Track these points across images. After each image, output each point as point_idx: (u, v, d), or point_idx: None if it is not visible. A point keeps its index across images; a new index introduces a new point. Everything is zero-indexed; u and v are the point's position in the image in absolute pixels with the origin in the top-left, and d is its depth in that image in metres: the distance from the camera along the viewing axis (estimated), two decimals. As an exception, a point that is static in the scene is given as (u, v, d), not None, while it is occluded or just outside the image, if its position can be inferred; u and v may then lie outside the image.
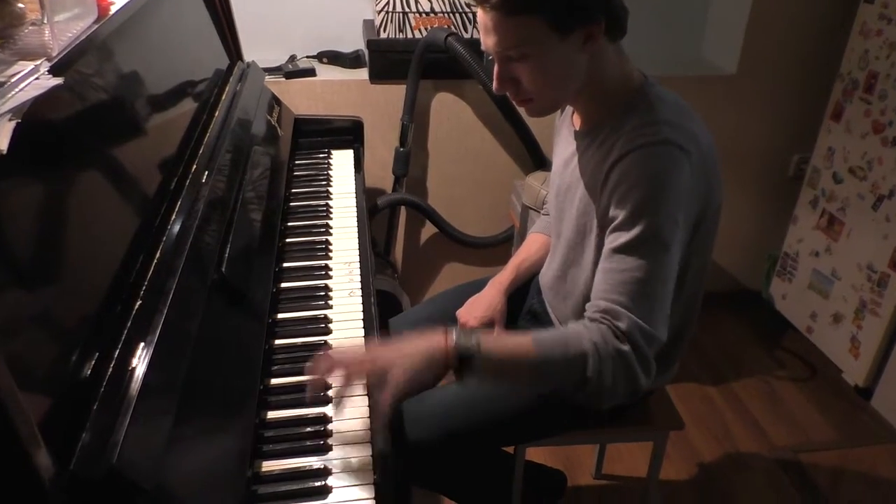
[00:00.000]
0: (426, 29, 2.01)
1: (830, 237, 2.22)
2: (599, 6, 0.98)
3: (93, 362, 0.76)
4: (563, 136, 1.24)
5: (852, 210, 2.13)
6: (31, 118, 0.74)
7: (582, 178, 1.12)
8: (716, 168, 1.06)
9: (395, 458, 0.98)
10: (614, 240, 1.01)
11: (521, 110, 2.00)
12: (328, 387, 1.02)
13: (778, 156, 2.41)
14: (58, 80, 0.75)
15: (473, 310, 1.40)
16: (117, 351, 0.79)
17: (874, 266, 2.05)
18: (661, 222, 0.98)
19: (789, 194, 2.41)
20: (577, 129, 1.16)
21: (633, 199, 0.98)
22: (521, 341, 1.01)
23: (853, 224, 2.13)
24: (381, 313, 1.41)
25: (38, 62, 0.79)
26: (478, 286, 1.51)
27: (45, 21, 0.84)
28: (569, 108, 1.22)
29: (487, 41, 1.01)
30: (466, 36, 2.02)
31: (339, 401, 1.00)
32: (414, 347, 0.98)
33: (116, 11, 1.07)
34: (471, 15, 2.00)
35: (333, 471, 0.92)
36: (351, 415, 1.01)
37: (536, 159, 2.15)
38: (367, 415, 1.01)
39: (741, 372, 2.30)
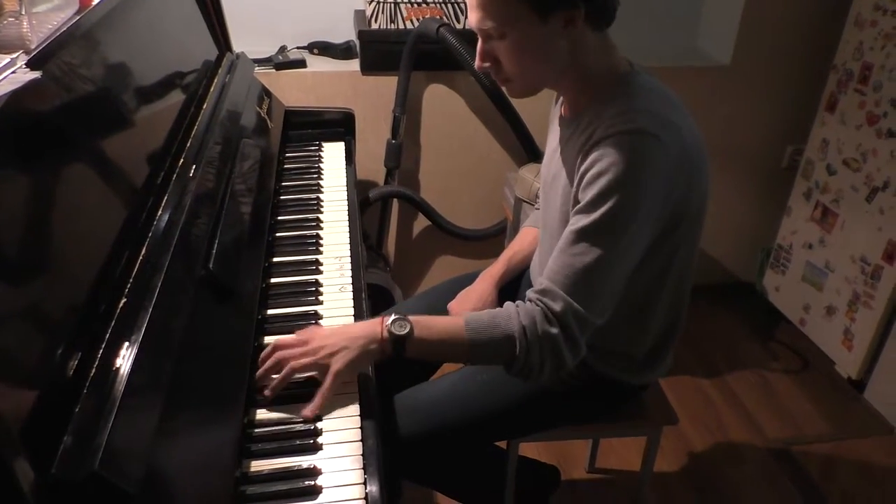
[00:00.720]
0: (418, 19, 1.99)
1: (824, 229, 2.22)
2: None
3: (75, 362, 0.74)
4: (553, 125, 1.23)
5: (846, 202, 2.12)
6: (11, 112, 0.72)
7: (564, 167, 1.12)
8: (700, 159, 1.05)
9: (385, 453, 0.97)
10: (574, 222, 1.03)
11: (515, 103, 1.99)
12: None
13: (772, 147, 2.40)
14: (35, 74, 0.73)
15: (465, 302, 1.39)
16: (101, 350, 0.77)
17: (868, 258, 2.05)
18: (621, 210, 0.98)
19: (783, 186, 2.40)
20: (564, 116, 1.16)
21: (598, 185, 0.99)
22: (453, 325, 1.07)
23: (847, 216, 2.13)
24: (374, 307, 1.40)
25: (16, 55, 0.76)
26: (470, 279, 1.50)
27: (23, 12, 0.81)
28: (561, 98, 1.21)
29: (472, 16, 1.03)
30: (458, 26, 1.99)
31: (276, 389, 1.01)
32: (353, 339, 1.03)
33: (99, 2, 1.04)
34: (463, 5, 1.98)
35: (323, 470, 0.90)
36: (341, 414, 0.99)
37: (529, 151, 2.13)
38: (358, 413, 0.99)
39: (734, 364, 2.30)
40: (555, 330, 1.02)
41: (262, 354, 1.04)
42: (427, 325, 1.06)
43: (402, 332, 1.03)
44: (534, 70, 1.06)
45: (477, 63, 1.08)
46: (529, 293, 1.07)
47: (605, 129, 1.00)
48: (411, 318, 1.06)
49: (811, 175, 2.26)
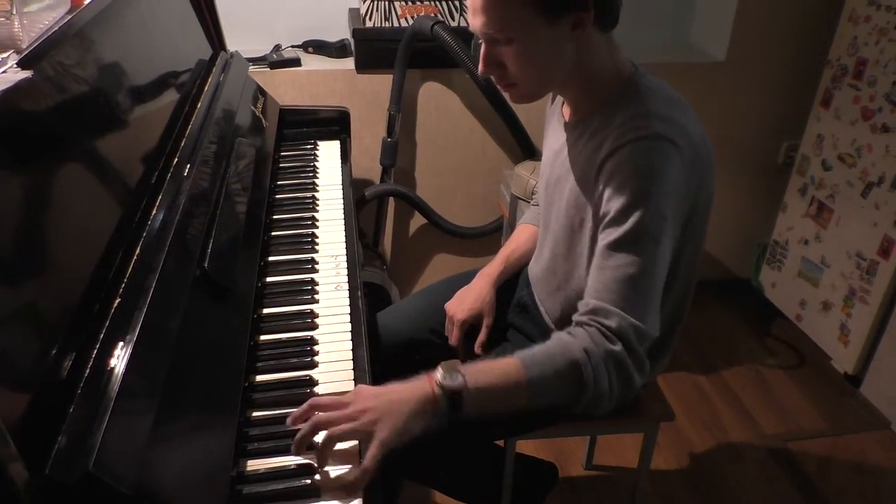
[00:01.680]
0: (412, 17, 1.98)
1: (820, 225, 2.22)
2: None
3: (69, 363, 0.74)
4: (552, 126, 1.23)
5: (841, 197, 2.13)
6: (1, 111, 0.71)
7: (573, 170, 1.11)
8: (708, 158, 1.05)
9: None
10: (606, 236, 1.01)
11: (509, 98, 1.99)
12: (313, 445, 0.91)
13: (767, 143, 2.40)
14: (26, 74, 0.73)
15: (462, 302, 1.39)
16: (95, 350, 0.77)
17: (863, 254, 2.05)
18: (652, 218, 0.97)
19: (779, 182, 2.40)
20: (567, 119, 1.15)
21: (624, 194, 0.98)
22: (508, 366, 0.98)
23: (842, 211, 2.13)
24: (370, 305, 1.39)
25: (7, 55, 0.76)
26: (468, 277, 1.49)
27: (15, 12, 0.81)
28: (559, 98, 1.21)
29: (475, 22, 1.00)
30: (453, 24, 1.99)
31: (324, 461, 0.90)
32: (402, 403, 0.92)
33: (91, 1, 1.04)
34: (457, 2, 1.98)
35: (320, 469, 0.90)
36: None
37: (525, 149, 2.13)
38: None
39: (731, 360, 2.30)
40: (617, 347, 0.96)
41: (295, 414, 0.91)
42: (479, 370, 0.97)
43: (456, 385, 0.92)
44: (541, 74, 1.04)
45: (481, 69, 1.04)
46: (577, 316, 1.01)
47: (618, 136, 1.00)
48: (460, 367, 0.95)
49: (806, 171, 2.27)
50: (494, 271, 1.41)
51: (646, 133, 0.98)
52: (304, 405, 0.92)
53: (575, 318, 1.03)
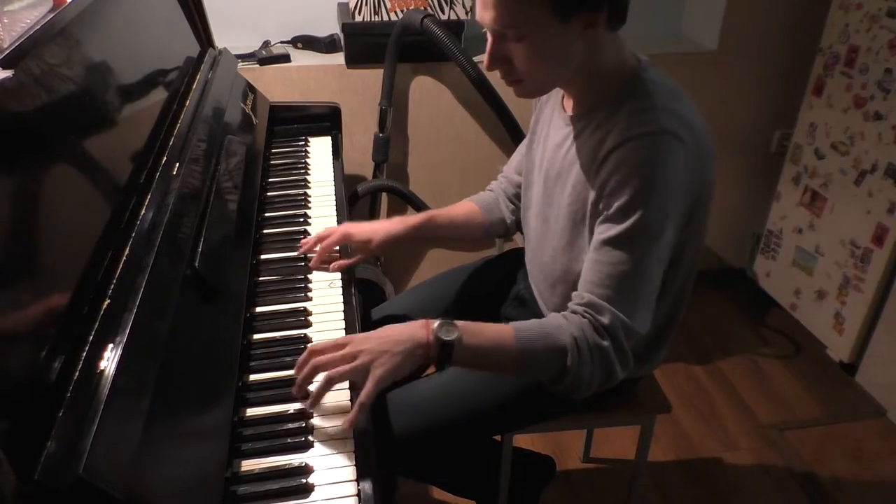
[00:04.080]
0: (402, 11, 1.97)
1: (813, 213, 2.22)
2: None
3: (59, 365, 0.73)
4: (547, 118, 1.21)
5: (835, 186, 2.13)
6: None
7: (576, 163, 1.10)
8: (710, 150, 1.04)
9: (379, 449, 0.96)
10: (604, 231, 1.00)
11: (503, 93, 1.98)
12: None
13: (760, 132, 2.40)
14: (7, 73, 0.72)
15: (361, 224, 1.33)
16: (85, 353, 0.76)
17: (857, 242, 2.05)
18: (653, 216, 0.97)
19: (772, 171, 2.40)
20: (571, 113, 1.13)
21: (626, 191, 0.97)
22: (502, 333, 1.01)
23: (836, 200, 2.13)
24: (365, 302, 1.39)
25: (-12, 54, 0.75)
26: (462, 272, 1.49)
27: (-4, 10, 0.80)
28: (557, 91, 1.19)
29: (485, 15, 0.98)
30: (443, 17, 1.98)
31: (317, 401, 0.96)
32: (394, 342, 0.97)
33: (74, -1, 1.02)
34: (447, -4, 1.96)
35: (315, 468, 0.90)
36: (333, 410, 0.98)
37: (517, 142, 2.11)
38: (349, 409, 0.98)
39: (726, 350, 2.31)
40: (606, 343, 0.99)
41: (299, 361, 0.97)
42: (475, 331, 1.00)
43: (451, 338, 0.97)
44: (549, 71, 1.03)
45: (486, 63, 1.03)
46: (573, 305, 1.04)
47: (622, 130, 0.99)
48: (459, 323, 0.99)
49: (799, 159, 2.26)
50: (412, 219, 1.33)
51: (651, 129, 0.97)
52: (304, 353, 0.97)
53: (570, 305, 1.04)
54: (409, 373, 0.98)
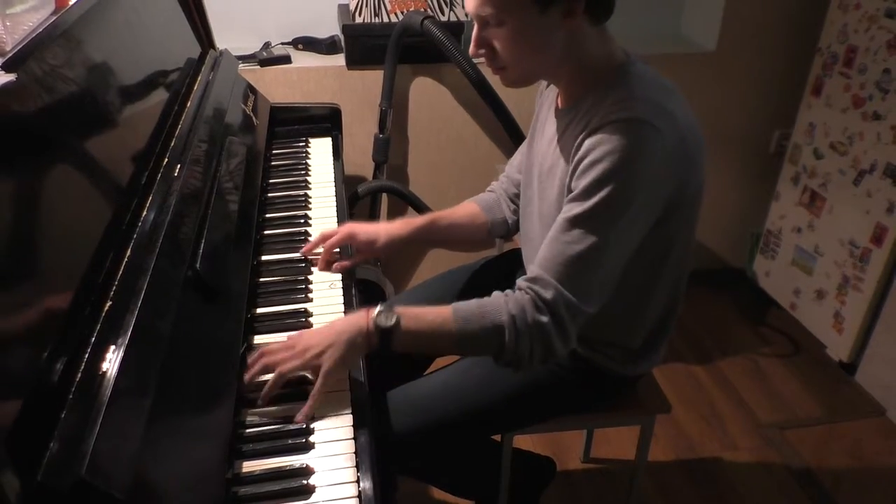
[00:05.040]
0: (402, 13, 1.97)
1: (813, 213, 2.22)
2: None
3: (61, 367, 0.74)
4: (544, 116, 1.22)
5: (834, 186, 2.13)
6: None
7: (562, 156, 1.11)
8: (697, 147, 1.04)
9: (379, 449, 0.96)
10: (568, 210, 1.02)
11: (502, 94, 1.98)
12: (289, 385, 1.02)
13: (759, 132, 2.40)
14: (10, 77, 0.72)
15: (363, 224, 1.34)
16: (87, 354, 0.76)
17: (856, 241, 2.05)
18: (616, 199, 0.98)
19: (771, 171, 2.41)
20: (560, 107, 1.15)
21: (593, 172, 0.99)
22: (441, 315, 1.05)
23: (835, 200, 2.13)
24: (365, 303, 1.38)
25: (-10, 57, 0.75)
26: (462, 272, 1.49)
27: (-2, 14, 0.80)
28: (553, 89, 1.20)
29: (469, 2, 1.02)
30: (443, 18, 1.98)
31: (269, 393, 1.00)
32: (338, 333, 1.01)
33: (76, 1, 1.03)
34: (447, -3, 1.97)
35: (316, 469, 0.90)
36: (332, 411, 0.99)
37: (517, 143, 2.12)
38: (349, 410, 0.99)
39: (726, 350, 2.31)
40: (545, 318, 1.01)
41: (250, 361, 1.02)
42: (414, 315, 1.04)
43: (388, 324, 1.02)
44: (530, 59, 1.05)
45: (472, 49, 1.06)
46: (519, 281, 1.06)
47: (601, 117, 1.00)
48: (398, 308, 1.04)
49: (798, 159, 2.27)
50: (415, 223, 1.35)
51: (627, 115, 0.98)
52: (255, 353, 1.02)
53: (518, 281, 1.07)
54: (357, 360, 1.04)
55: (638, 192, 0.99)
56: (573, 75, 1.08)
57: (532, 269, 1.06)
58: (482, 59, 1.08)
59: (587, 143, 1.00)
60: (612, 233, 1.00)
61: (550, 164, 1.15)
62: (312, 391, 0.98)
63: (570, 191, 1.04)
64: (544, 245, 1.05)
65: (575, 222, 1.01)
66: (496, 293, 1.07)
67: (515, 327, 1.02)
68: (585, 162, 1.00)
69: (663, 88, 1.05)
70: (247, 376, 1.00)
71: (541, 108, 1.26)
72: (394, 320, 1.02)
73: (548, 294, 1.01)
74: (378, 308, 1.03)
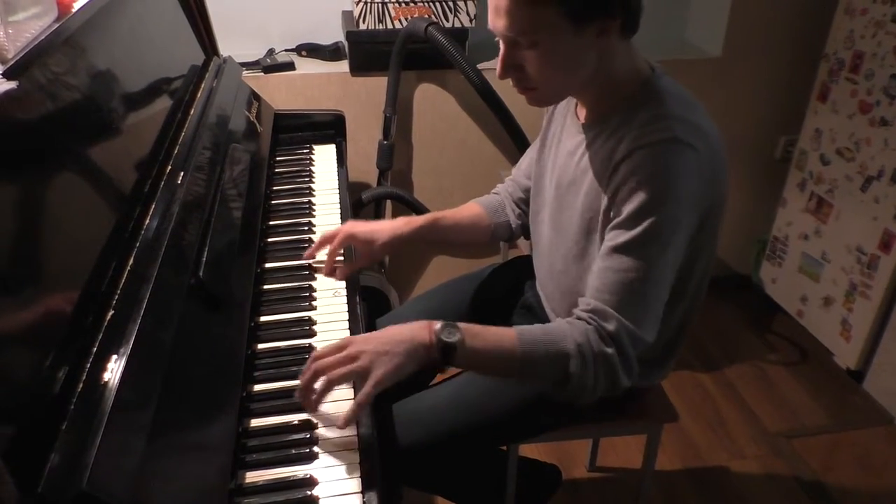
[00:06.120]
0: (406, 19, 1.97)
1: (819, 220, 2.21)
2: (620, 2, 0.94)
3: (62, 377, 0.73)
4: (559, 124, 1.20)
5: (841, 192, 2.12)
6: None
7: (589, 171, 1.09)
8: (723, 161, 1.03)
9: (383, 460, 0.95)
10: (614, 238, 1.00)
11: (507, 100, 1.98)
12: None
13: (765, 138, 2.39)
14: (11, 84, 0.71)
15: (365, 224, 1.32)
16: (88, 364, 0.75)
17: (864, 248, 2.04)
18: (664, 224, 0.96)
19: (777, 177, 2.39)
20: (584, 121, 1.13)
21: (638, 198, 0.96)
22: (505, 336, 1.01)
23: (842, 206, 2.12)
24: (369, 310, 1.37)
25: (-8, 65, 0.75)
26: (467, 280, 1.48)
27: (0, 22, 0.79)
28: (568, 98, 1.19)
29: (497, 23, 0.97)
30: (447, 25, 1.98)
31: (318, 402, 0.97)
32: (396, 343, 0.97)
33: (79, 9, 1.02)
34: (451, 3, 1.97)
35: (320, 480, 0.89)
36: (336, 421, 0.97)
37: (522, 149, 2.11)
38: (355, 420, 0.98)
39: (733, 358, 2.29)
40: (610, 350, 0.98)
41: (304, 369, 0.97)
42: (477, 333, 1.00)
43: (453, 340, 0.97)
44: (562, 80, 1.03)
45: (499, 72, 1.02)
46: (578, 311, 1.03)
47: (636, 137, 0.98)
48: (461, 325, 0.99)
49: (805, 166, 2.26)
50: (417, 222, 1.32)
51: (665, 136, 0.96)
52: (309, 359, 0.97)
53: (575, 312, 1.03)
54: (411, 373, 0.97)
55: (682, 213, 0.97)
56: (602, 91, 1.06)
57: (586, 300, 1.03)
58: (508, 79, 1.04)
59: (625, 166, 0.98)
60: (662, 257, 0.98)
61: (573, 177, 1.13)
62: (358, 397, 0.93)
63: (609, 216, 1.02)
64: (595, 275, 1.03)
65: (624, 250, 0.98)
66: (559, 320, 1.04)
67: (582, 355, 0.98)
68: (626, 188, 0.98)
69: (690, 104, 1.03)
70: (300, 385, 0.96)
71: (553, 115, 1.24)
72: (458, 336, 0.98)
73: (610, 326, 0.98)
74: (440, 323, 0.99)
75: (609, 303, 0.99)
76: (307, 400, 0.96)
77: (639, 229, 0.97)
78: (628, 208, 0.97)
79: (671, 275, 1.01)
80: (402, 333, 0.99)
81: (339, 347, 0.97)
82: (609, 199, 1.02)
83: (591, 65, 1.00)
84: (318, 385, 0.94)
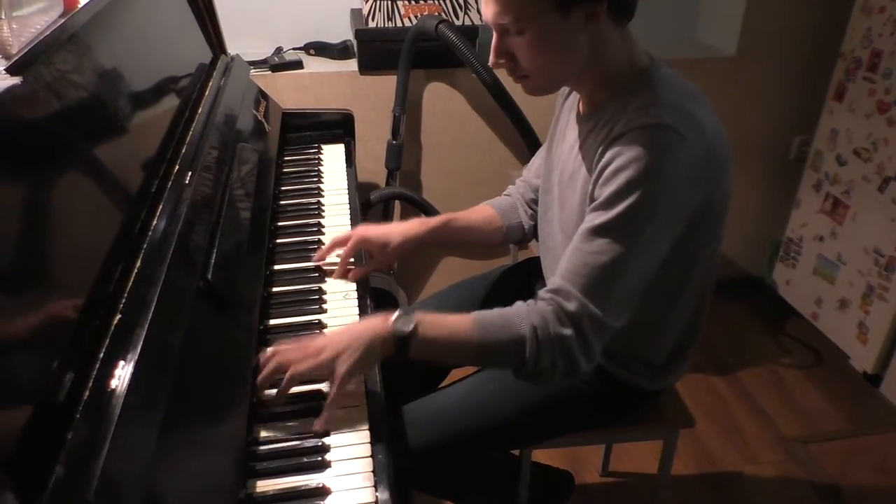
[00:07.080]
0: (416, 17, 1.95)
1: (835, 221, 2.18)
2: None
3: (68, 383, 0.70)
4: (564, 121, 1.19)
5: (857, 193, 2.08)
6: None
7: (583, 164, 1.08)
8: (724, 155, 1.01)
9: (396, 466, 0.93)
10: (591, 220, 0.98)
11: (519, 99, 1.95)
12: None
13: (779, 138, 2.36)
14: (15, 80, 0.69)
15: (377, 227, 1.31)
16: (95, 370, 0.73)
17: (881, 250, 2.00)
18: (641, 208, 0.94)
19: (792, 177, 2.36)
20: (582, 113, 1.11)
21: (616, 181, 0.95)
22: (462, 323, 1.01)
23: (859, 207, 2.08)
24: (378, 312, 1.35)
25: (-4, 60, 0.72)
26: (476, 281, 1.46)
27: (4, 17, 0.77)
28: (576, 94, 1.17)
29: (487, 11, 0.98)
30: (458, 23, 1.95)
31: (281, 396, 0.97)
32: (355, 337, 0.97)
33: (85, 4, 1.00)
34: (461, 1, 1.94)
35: (332, 489, 0.86)
36: (349, 427, 0.95)
37: (533, 149, 2.08)
38: (367, 427, 0.95)
39: (746, 361, 2.26)
40: (568, 331, 0.97)
41: (261, 361, 0.98)
42: (433, 322, 1.00)
43: (406, 330, 0.97)
44: (553, 66, 1.02)
45: (491, 59, 1.02)
46: (541, 292, 1.02)
47: (626, 123, 0.96)
48: (418, 314, 0.99)
49: (820, 166, 2.22)
50: (430, 223, 1.32)
51: (652, 121, 0.94)
52: (267, 352, 0.99)
53: (539, 292, 1.02)
54: (372, 366, 1.01)
55: (663, 201, 0.95)
56: (597, 81, 1.05)
57: (554, 279, 1.01)
58: (502, 68, 1.04)
59: (610, 150, 0.97)
60: (636, 243, 0.96)
61: (571, 171, 1.12)
62: (328, 398, 0.94)
63: (592, 199, 1.00)
64: (566, 255, 1.01)
65: (598, 232, 0.97)
66: (518, 303, 1.03)
67: (537, 339, 0.97)
68: (608, 170, 0.96)
69: (689, 94, 1.01)
70: (260, 377, 0.96)
71: (561, 112, 1.23)
72: (411, 326, 0.97)
73: (571, 306, 0.97)
74: (397, 313, 0.99)
75: (575, 284, 0.97)
76: (264, 390, 0.97)
77: (614, 211, 0.95)
78: (606, 191, 0.96)
79: (649, 265, 0.99)
80: (363, 327, 1.01)
81: (304, 345, 0.98)
82: (593, 183, 1.00)
83: (582, 51, 0.99)
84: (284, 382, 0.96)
